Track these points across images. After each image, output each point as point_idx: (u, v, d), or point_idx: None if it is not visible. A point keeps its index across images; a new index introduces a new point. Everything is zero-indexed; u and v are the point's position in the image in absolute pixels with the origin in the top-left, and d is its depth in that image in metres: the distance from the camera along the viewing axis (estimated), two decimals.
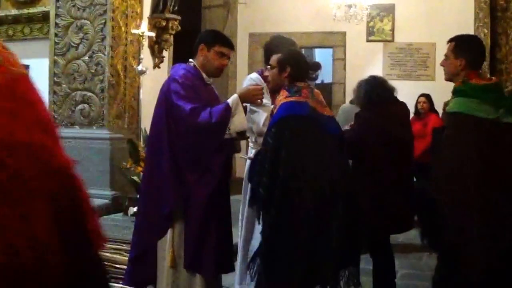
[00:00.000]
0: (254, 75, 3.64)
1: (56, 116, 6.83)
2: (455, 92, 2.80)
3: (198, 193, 2.83)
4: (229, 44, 3.06)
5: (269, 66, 3.18)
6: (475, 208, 2.51)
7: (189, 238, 2.88)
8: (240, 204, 3.69)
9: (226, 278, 3.43)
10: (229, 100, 2.85)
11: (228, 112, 2.77)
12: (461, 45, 2.80)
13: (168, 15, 7.07)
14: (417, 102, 6.55)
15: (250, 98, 2.97)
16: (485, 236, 2.48)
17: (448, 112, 2.82)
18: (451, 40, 2.85)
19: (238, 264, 3.63)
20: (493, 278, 2.51)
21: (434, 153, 3.23)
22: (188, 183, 2.84)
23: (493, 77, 4.12)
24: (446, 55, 2.86)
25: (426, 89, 6.44)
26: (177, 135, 2.81)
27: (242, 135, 2.91)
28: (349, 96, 5.93)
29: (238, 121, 2.79)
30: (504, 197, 2.53)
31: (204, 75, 3.00)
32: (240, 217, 3.68)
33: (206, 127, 2.73)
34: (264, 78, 3.47)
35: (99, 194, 6.32)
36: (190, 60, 3.04)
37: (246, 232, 3.56)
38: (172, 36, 7.31)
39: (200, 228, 2.87)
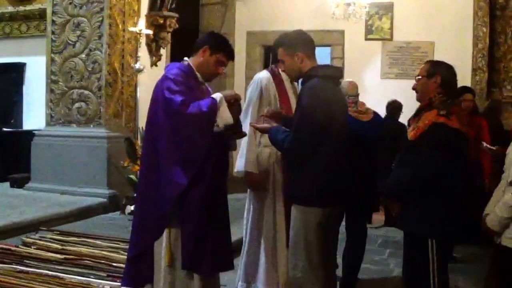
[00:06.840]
0: (265, 73, 3.63)
1: (53, 115, 6.80)
2: None
3: (193, 192, 2.81)
4: (232, 57, 3.07)
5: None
6: None
7: (185, 238, 2.86)
8: (246, 201, 3.68)
9: (224, 276, 3.40)
10: (213, 95, 2.86)
11: (214, 104, 2.77)
12: None
13: (165, 13, 7.05)
14: (461, 100, 4.74)
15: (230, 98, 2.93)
16: None
17: None
18: None
19: (243, 261, 3.63)
20: None
21: None
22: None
23: None
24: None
25: None
26: (170, 131, 2.80)
27: (232, 130, 2.89)
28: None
29: (224, 114, 2.79)
30: None
31: (198, 75, 2.99)
32: (245, 215, 3.67)
33: (197, 116, 2.74)
34: (276, 75, 3.53)
35: (96, 193, 6.31)
36: (185, 58, 3.03)
37: (253, 229, 3.57)
38: (169, 34, 7.29)
39: (196, 227, 2.85)
